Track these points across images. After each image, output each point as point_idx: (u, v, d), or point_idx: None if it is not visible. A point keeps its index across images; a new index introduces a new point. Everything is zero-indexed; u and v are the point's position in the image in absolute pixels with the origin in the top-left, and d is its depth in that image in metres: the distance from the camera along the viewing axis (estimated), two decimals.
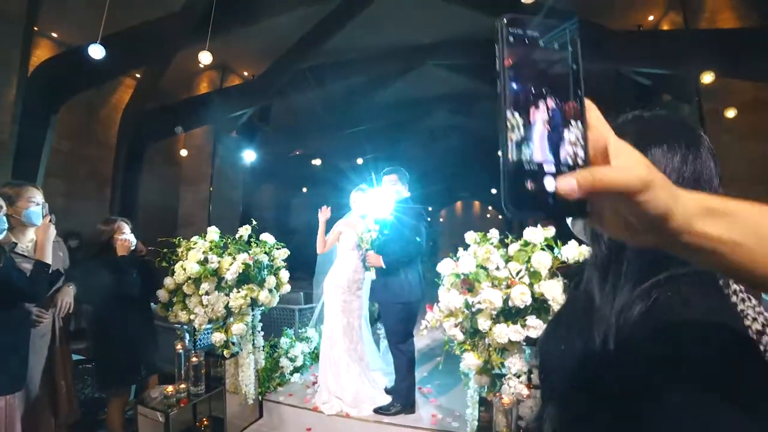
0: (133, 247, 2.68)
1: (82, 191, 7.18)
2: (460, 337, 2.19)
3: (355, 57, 6.92)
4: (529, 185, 0.36)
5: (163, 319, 3.09)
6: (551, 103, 0.38)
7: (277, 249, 3.16)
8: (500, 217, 20.95)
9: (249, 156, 8.18)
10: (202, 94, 7.95)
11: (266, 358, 3.38)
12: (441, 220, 21.57)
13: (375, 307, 3.70)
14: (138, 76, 7.40)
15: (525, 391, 2.07)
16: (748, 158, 5.42)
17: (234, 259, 2.85)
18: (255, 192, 10.76)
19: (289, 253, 3.21)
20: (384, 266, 3.03)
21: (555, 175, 0.36)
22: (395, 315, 3.06)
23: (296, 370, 3.71)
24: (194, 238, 3.00)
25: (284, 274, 3.17)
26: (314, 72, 7.10)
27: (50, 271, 2.02)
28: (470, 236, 2.39)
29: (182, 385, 2.56)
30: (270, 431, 3.05)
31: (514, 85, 0.38)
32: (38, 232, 2.08)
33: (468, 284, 2.19)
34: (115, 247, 2.61)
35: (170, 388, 2.52)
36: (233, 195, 8.91)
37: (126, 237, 2.64)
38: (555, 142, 0.38)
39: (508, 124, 0.37)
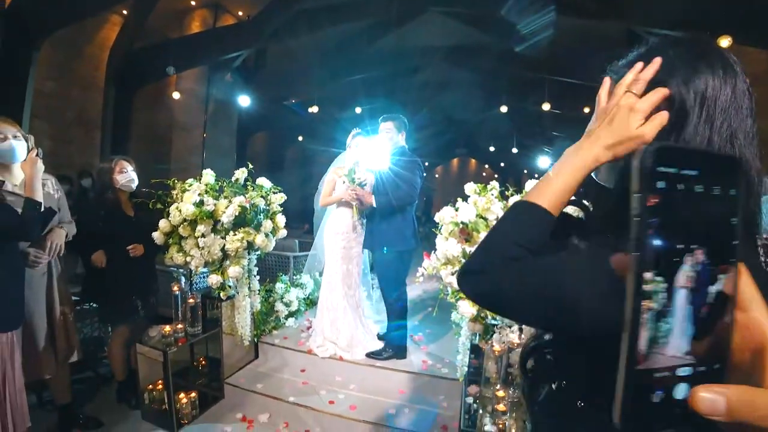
0: (134, 185, 2.65)
1: (68, 134, 6.93)
2: (456, 285, 2.21)
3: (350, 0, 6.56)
4: (657, 395, 0.28)
5: (161, 262, 3.10)
6: (698, 263, 0.29)
7: (274, 193, 3.12)
8: (496, 176, 20.93)
9: (243, 101, 7.91)
10: (194, 34, 7.54)
11: (262, 302, 3.45)
12: (437, 176, 21.45)
13: (370, 256, 3.72)
14: (125, 12, 6.97)
15: (516, 340, 2.13)
16: (762, 132, 5.32)
17: (230, 201, 2.82)
18: (249, 139, 10.54)
19: (285, 197, 3.17)
20: (374, 205, 3.02)
21: (691, 379, 0.28)
22: (389, 263, 3.09)
23: (291, 314, 3.79)
24: (189, 180, 2.94)
25: (280, 219, 3.16)
26: (310, 15, 6.72)
27: (42, 209, 1.96)
28: (470, 187, 2.36)
29: (179, 326, 2.59)
30: (266, 372, 3.16)
31: (657, 239, 0.29)
32: (25, 168, 1.99)
33: (466, 234, 2.19)
34: (116, 186, 2.58)
35: (168, 328, 2.56)
36: (227, 142, 8.73)
37: (128, 175, 2.61)
38: (697, 323, 0.29)
39: (646, 288, 0.28)
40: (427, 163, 19.71)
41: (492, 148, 14.59)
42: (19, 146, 2.01)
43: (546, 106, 7.77)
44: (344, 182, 3.20)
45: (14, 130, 2.01)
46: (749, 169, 0.58)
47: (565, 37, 6.96)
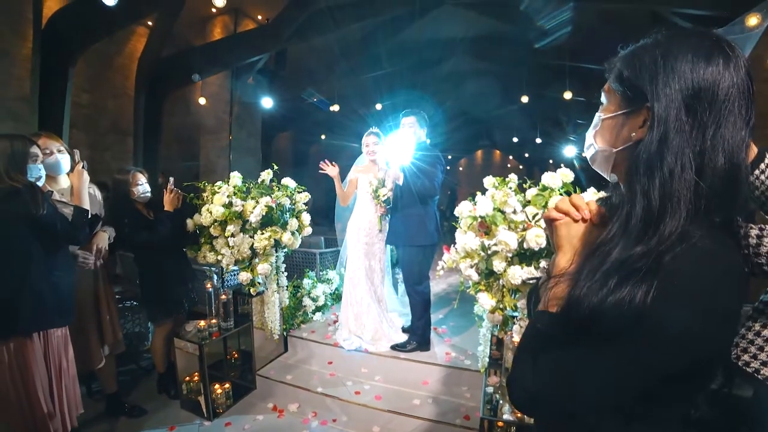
0: (148, 197, 2.77)
1: (104, 142, 7.31)
2: (475, 277, 2.26)
3: None
4: None
5: (195, 261, 3.27)
6: None
7: (299, 193, 3.23)
8: (521, 167, 20.55)
9: (266, 103, 8.10)
10: (216, 40, 7.78)
11: (290, 298, 3.57)
12: (461, 168, 21.28)
13: (394, 250, 3.79)
14: (150, 23, 7.25)
15: None
16: None
17: (257, 202, 2.94)
18: (273, 139, 10.76)
19: (309, 196, 3.28)
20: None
21: None
22: (412, 258, 3.14)
23: (318, 309, 3.91)
24: (218, 183, 3.09)
25: (306, 217, 3.26)
26: (329, 14, 6.80)
27: (89, 216, 2.12)
28: (488, 181, 2.38)
29: (213, 321, 2.74)
30: (295, 364, 3.28)
31: None
32: (73, 179, 2.15)
33: (485, 227, 2.22)
34: (134, 198, 2.70)
35: (202, 323, 2.71)
36: (252, 143, 8.96)
37: (144, 187, 2.72)
38: None
39: None
40: (450, 157, 19.70)
41: (515, 139, 14.34)
42: (64, 159, 2.22)
43: (568, 95, 7.60)
44: (368, 192, 3.29)
45: (58, 145, 2.23)
46: (743, 178, 0.59)
47: (587, 21, 6.79)
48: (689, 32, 0.62)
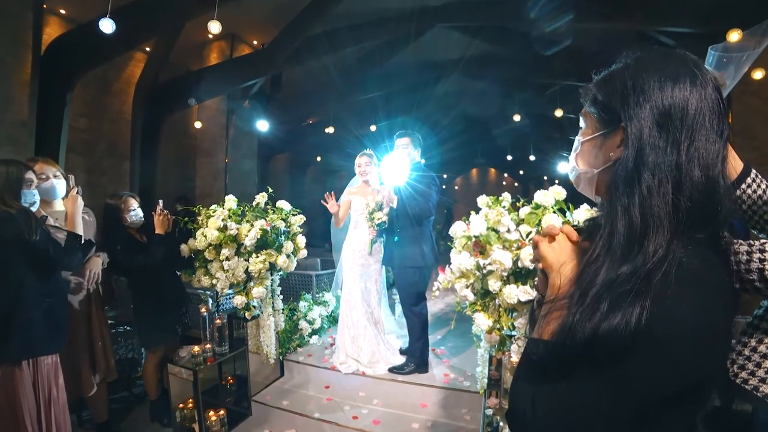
0: (141, 222, 2.76)
1: (102, 166, 7.33)
2: (471, 297, 2.25)
3: (361, 22, 6.74)
4: None
5: (190, 285, 3.24)
6: None
7: (294, 215, 3.23)
8: (516, 184, 20.69)
9: (262, 126, 8.18)
10: (212, 65, 7.90)
11: (286, 321, 3.54)
12: (456, 187, 21.39)
13: (390, 272, 3.78)
14: (148, 49, 7.38)
15: None
16: None
17: (252, 225, 2.94)
18: (270, 161, 10.83)
19: (304, 219, 3.28)
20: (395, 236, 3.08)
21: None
22: (408, 279, 3.12)
23: (315, 332, 3.86)
24: (213, 207, 3.09)
25: (301, 240, 3.26)
26: (323, 39, 6.96)
27: (82, 242, 2.12)
28: (482, 200, 2.40)
29: (207, 346, 2.70)
30: (291, 389, 3.23)
31: None
32: (67, 204, 2.14)
33: (480, 246, 2.23)
34: (126, 224, 2.69)
35: (196, 348, 2.67)
36: (248, 165, 9.00)
37: (135, 212, 2.72)
38: None
39: None
40: (446, 176, 19.81)
41: (510, 157, 14.49)
42: (59, 185, 2.23)
43: (559, 113, 7.73)
44: (363, 214, 3.30)
45: (54, 170, 2.24)
46: (722, 190, 0.59)
47: (575, 41, 6.97)
48: (657, 53, 0.65)
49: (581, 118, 0.75)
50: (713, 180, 0.59)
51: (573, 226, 0.77)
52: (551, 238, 0.73)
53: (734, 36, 4.87)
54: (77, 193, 2.18)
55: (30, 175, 1.94)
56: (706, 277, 0.56)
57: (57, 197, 2.26)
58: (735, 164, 1.02)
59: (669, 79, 0.60)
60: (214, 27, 4.13)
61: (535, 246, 0.74)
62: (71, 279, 2.28)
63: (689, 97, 0.59)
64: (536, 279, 0.80)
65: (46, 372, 1.91)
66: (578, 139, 0.75)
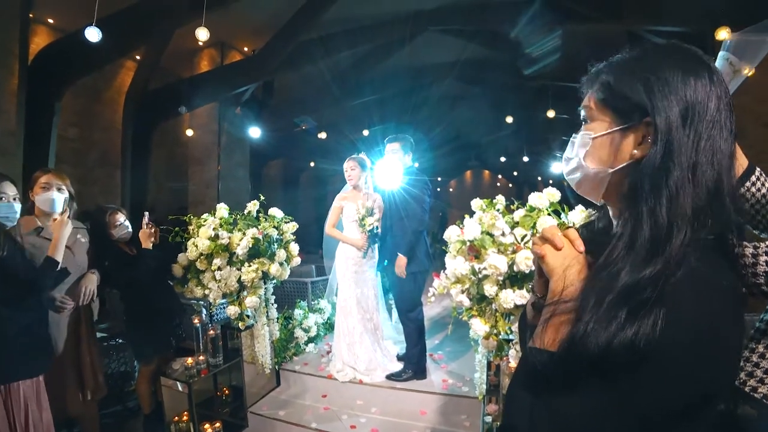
0: (129, 236, 2.70)
1: (93, 176, 7.28)
2: (467, 303, 2.23)
3: (353, 27, 6.75)
4: None
5: (183, 295, 3.19)
6: None
7: (286, 223, 3.19)
8: (510, 186, 20.77)
9: (254, 132, 8.14)
10: (203, 73, 7.86)
11: (281, 330, 3.49)
12: (451, 190, 21.43)
13: (385, 277, 3.74)
14: (138, 57, 7.34)
15: None
16: (766, 122, 5.20)
17: (243, 234, 2.90)
18: (263, 168, 10.79)
19: (297, 226, 3.24)
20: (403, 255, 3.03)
21: None
22: (403, 285, 3.09)
23: (311, 340, 3.82)
24: (204, 216, 3.05)
25: (294, 247, 3.22)
26: (315, 44, 6.95)
27: (58, 269, 2.01)
28: (476, 203, 2.38)
29: (201, 357, 2.65)
30: (288, 399, 3.18)
31: None
32: (54, 228, 2.07)
33: (475, 251, 2.20)
34: (113, 239, 2.63)
35: (190, 360, 2.61)
36: (241, 172, 8.96)
37: (122, 227, 2.65)
38: None
39: None
40: (440, 179, 19.85)
41: (503, 159, 14.55)
42: (60, 199, 2.19)
43: (551, 114, 7.77)
44: (353, 220, 3.28)
45: (60, 183, 2.21)
46: (731, 190, 0.57)
47: (566, 43, 7.02)
48: (669, 46, 0.62)
49: (584, 112, 0.69)
50: (725, 179, 0.57)
51: (567, 228, 0.74)
52: (553, 244, 0.67)
53: (723, 34, 4.90)
54: (68, 217, 2.11)
55: (6, 187, 1.87)
56: (718, 285, 0.54)
57: (56, 211, 2.19)
58: (741, 161, 0.98)
59: (691, 72, 0.57)
60: (202, 34, 4.10)
61: (539, 255, 0.68)
62: (56, 296, 2.21)
63: (710, 93, 0.57)
64: (532, 283, 0.76)
65: (23, 397, 1.80)
66: (585, 136, 0.67)
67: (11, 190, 1.94)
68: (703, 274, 0.53)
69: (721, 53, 1.13)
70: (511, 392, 0.65)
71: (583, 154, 0.67)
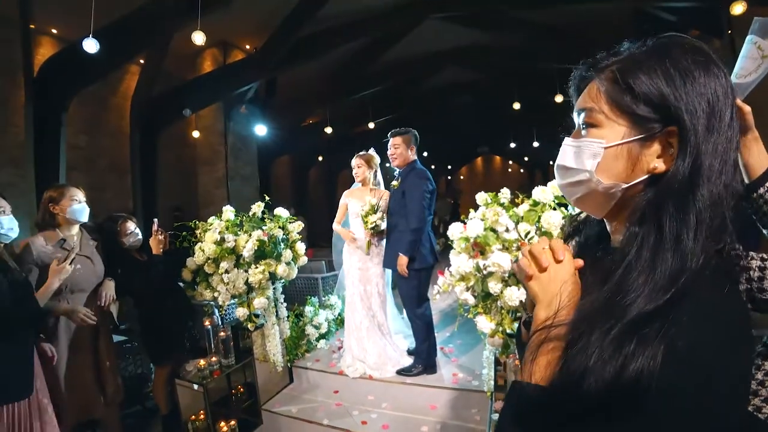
0: (140, 243, 2.73)
1: (103, 182, 7.39)
2: (472, 301, 2.22)
3: (354, 19, 6.68)
4: None
5: (195, 298, 3.25)
6: None
7: (291, 222, 3.21)
8: (521, 171, 20.50)
9: (260, 130, 8.14)
10: (207, 73, 7.87)
11: (292, 327, 3.53)
12: (462, 177, 21.26)
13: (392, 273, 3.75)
14: (142, 61, 7.38)
15: None
16: None
17: (249, 236, 2.93)
18: (271, 165, 10.84)
19: (303, 225, 3.26)
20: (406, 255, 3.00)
21: None
22: (409, 281, 3.07)
23: (322, 336, 3.86)
24: (210, 219, 3.09)
25: (300, 247, 3.24)
26: (317, 37, 6.91)
27: (37, 311, 1.91)
28: (481, 197, 2.35)
29: (213, 358, 2.71)
30: (300, 395, 3.23)
31: None
32: (51, 271, 2.03)
33: (479, 247, 2.18)
34: (124, 247, 2.66)
35: (202, 362, 2.67)
36: (249, 170, 9.00)
37: (133, 234, 2.68)
38: None
39: None
40: (450, 167, 19.70)
41: (513, 144, 14.33)
42: (86, 210, 2.32)
43: (559, 98, 7.60)
44: (358, 217, 3.27)
45: (83, 196, 2.32)
46: (738, 199, 0.53)
47: (571, 24, 6.85)
48: (679, 40, 0.55)
49: (588, 115, 0.59)
50: (733, 186, 0.52)
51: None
52: (540, 264, 0.60)
53: (738, 9, 4.71)
54: (69, 264, 2.06)
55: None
56: (725, 316, 0.50)
57: (83, 220, 2.34)
58: (762, 160, 0.91)
59: (705, 71, 0.52)
60: (198, 38, 4.10)
61: (524, 276, 0.62)
62: (81, 311, 2.23)
63: (727, 92, 0.52)
64: (524, 298, 0.73)
65: (23, 413, 1.76)
66: (597, 143, 0.57)
67: (3, 203, 1.96)
68: (710, 304, 0.49)
69: (748, 37, 1.04)
70: (501, 428, 0.58)
71: (594, 166, 0.58)
